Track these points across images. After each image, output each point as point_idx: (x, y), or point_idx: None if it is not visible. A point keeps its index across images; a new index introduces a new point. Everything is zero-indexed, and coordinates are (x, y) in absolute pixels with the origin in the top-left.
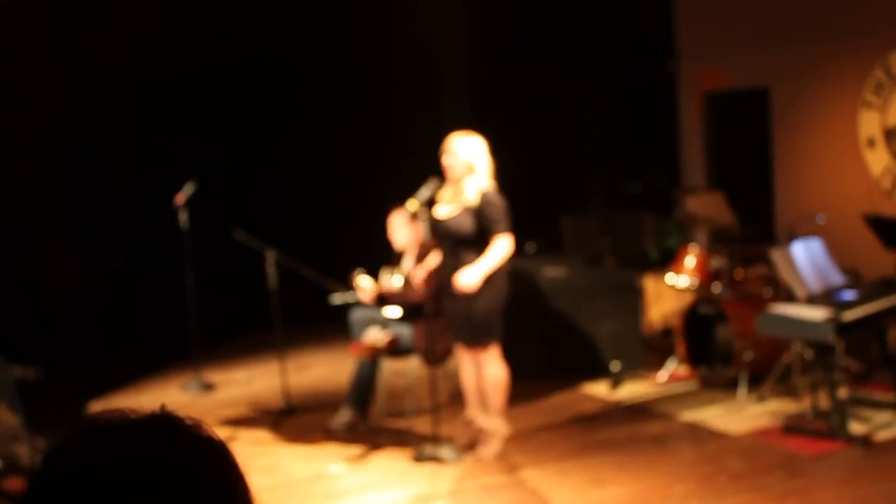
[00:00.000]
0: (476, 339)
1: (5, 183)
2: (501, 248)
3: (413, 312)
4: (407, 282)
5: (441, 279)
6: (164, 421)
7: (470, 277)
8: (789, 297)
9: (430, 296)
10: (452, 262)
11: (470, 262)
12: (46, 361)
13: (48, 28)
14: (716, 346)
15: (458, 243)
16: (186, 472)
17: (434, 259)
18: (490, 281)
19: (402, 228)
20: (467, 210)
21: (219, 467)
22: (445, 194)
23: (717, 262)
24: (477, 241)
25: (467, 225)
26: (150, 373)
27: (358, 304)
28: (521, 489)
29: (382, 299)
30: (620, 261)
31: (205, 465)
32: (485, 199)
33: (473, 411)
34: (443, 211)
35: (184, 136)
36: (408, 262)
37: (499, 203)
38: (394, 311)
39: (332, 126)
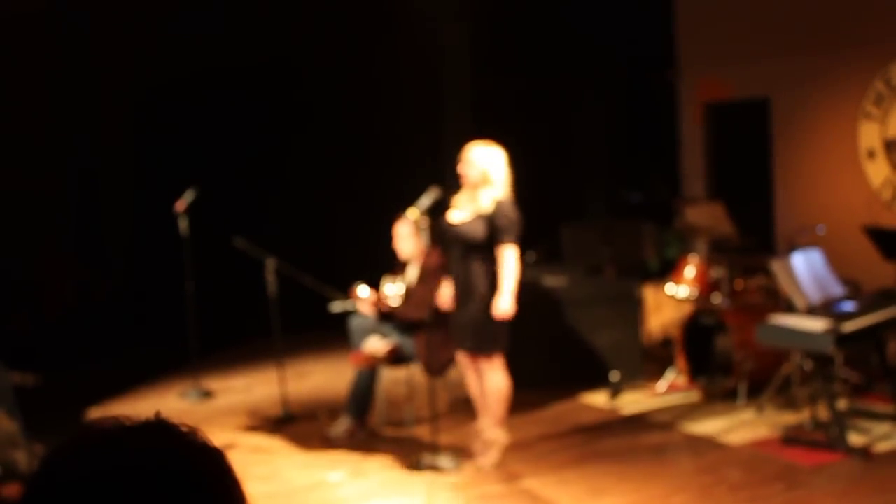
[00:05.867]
0: (481, 348)
1: (5, 189)
2: (511, 260)
3: (412, 327)
4: (407, 296)
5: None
6: (160, 428)
7: (505, 304)
8: (789, 308)
9: (429, 309)
10: (461, 268)
11: (478, 269)
12: (45, 368)
13: (49, 32)
14: (715, 356)
15: (468, 249)
16: (182, 479)
17: (447, 290)
18: (499, 290)
19: (408, 239)
20: (480, 217)
21: (214, 474)
22: (461, 199)
23: (716, 273)
24: (486, 249)
25: (479, 231)
26: (148, 380)
27: (357, 312)
28: (521, 499)
29: (383, 315)
30: (620, 270)
31: (200, 472)
32: (498, 208)
33: (484, 420)
34: (456, 216)
35: (184, 142)
36: (412, 272)
37: (511, 214)
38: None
39: (334, 134)
